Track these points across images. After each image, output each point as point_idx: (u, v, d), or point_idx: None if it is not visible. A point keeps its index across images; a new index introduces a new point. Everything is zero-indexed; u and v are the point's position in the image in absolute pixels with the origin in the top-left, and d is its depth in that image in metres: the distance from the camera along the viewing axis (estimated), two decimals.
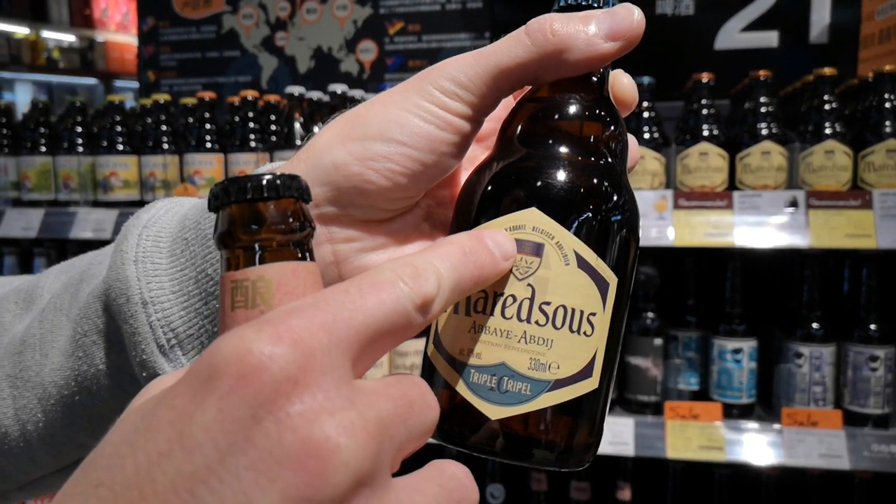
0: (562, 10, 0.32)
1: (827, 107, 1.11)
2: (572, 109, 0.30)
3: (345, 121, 0.31)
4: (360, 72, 1.71)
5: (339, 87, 1.31)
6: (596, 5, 0.32)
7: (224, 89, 1.74)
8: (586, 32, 0.30)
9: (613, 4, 0.33)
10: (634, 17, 0.32)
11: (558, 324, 0.28)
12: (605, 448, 1.17)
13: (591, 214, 0.28)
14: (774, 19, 1.46)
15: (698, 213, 1.11)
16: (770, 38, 1.47)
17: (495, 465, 1.32)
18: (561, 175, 0.29)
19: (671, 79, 1.35)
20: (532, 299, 0.28)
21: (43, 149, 1.43)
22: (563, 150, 0.30)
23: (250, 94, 1.36)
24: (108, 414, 0.34)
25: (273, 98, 1.38)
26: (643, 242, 1.06)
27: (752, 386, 1.19)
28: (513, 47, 0.30)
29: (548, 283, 0.28)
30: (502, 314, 0.28)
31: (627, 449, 1.16)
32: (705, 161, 1.12)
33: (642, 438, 1.16)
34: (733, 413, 1.18)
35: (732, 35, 1.48)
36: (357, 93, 1.36)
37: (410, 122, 0.29)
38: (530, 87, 0.32)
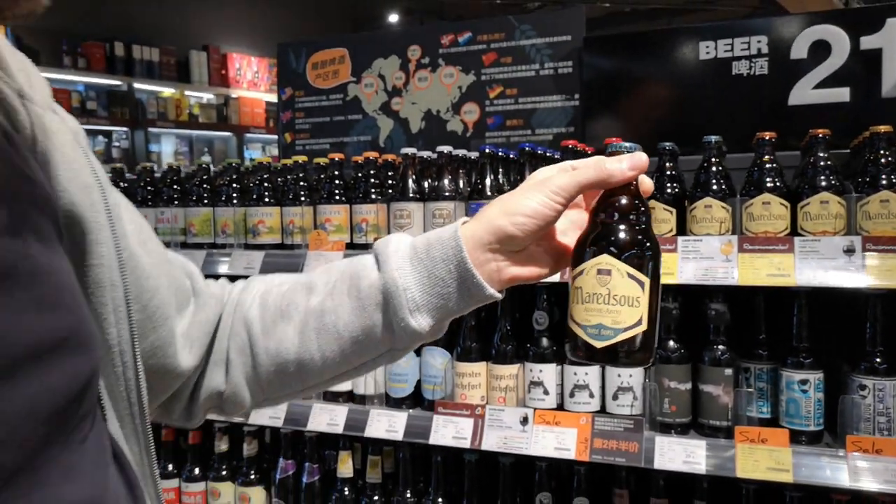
0: (610, 154, 0.65)
1: (883, 160, 1.22)
2: (621, 202, 0.64)
3: (502, 202, 0.65)
4: (465, 130, 1.94)
5: (445, 148, 1.54)
6: (626, 151, 0.64)
7: (348, 147, 2.02)
8: (620, 167, 0.63)
9: (633, 150, 0.65)
10: (642, 158, 0.64)
11: (622, 304, 0.61)
12: (679, 466, 1.31)
13: (633, 252, 0.62)
14: (846, 77, 1.57)
15: (761, 255, 1.24)
16: (842, 94, 1.57)
17: (580, 481, 1.46)
18: (618, 236, 0.63)
19: (747, 133, 1.48)
20: (609, 294, 0.62)
21: (205, 201, 1.74)
22: (618, 223, 0.63)
23: (372, 155, 1.62)
24: (373, 347, 0.65)
25: (390, 157, 1.63)
26: (710, 282, 1.21)
27: (819, 415, 1.29)
28: (588, 172, 0.63)
29: (615, 287, 0.62)
30: (597, 301, 0.62)
31: (700, 468, 1.29)
32: (768, 209, 1.26)
33: (713, 459, 1.28)
34: (801, 439, 1.29)
35: (805, 92, 1.60)
36: (460, 151, 1.59)
37: (535, 207, 0.62)
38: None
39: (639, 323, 0.62)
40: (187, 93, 6.71)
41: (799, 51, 1.60)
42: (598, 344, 0.62)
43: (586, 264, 0.63)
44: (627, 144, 0.65)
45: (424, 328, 0.63)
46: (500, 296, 0.66)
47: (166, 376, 0.64)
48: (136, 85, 6.61)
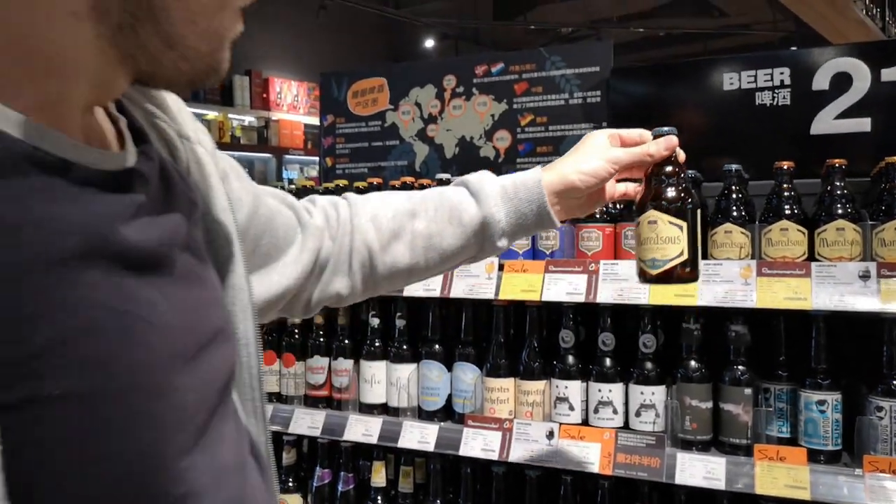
0: (654, 136, 0.93)
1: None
2: (661, 170, 0.92)
3: (573, 161, 0.90)
4: (496, 156, 2.02)
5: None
6: (664, 134, 0.93)
7: (385, 172, 2.12)
8: (658, 148, 0.92)
9: (669, 133, 0.93)
10: (674, 140, 0.93)
11: (668, 241, 0.90)
12: (699, 482, 1.35)
13: (671, 206, 0.91)
14: (867, 107, 1.62)
15: (779, 280, 1.29)
16: (864, 124, 1.62)
17: (604, 495, 1.51)
18: (659, 194, 0.92)
19: (770, 161, 1.54)
20: (657, 237, 0.91)
21: None
22: (658, 186, 0.92)
23: (408, 180, 1.71)
24: (464, 256, 0.91)
25: (426, 181, 1.72)
26: (729, 304, 1.27)
27: (837, 435, 1.33)
28: (636, 151, 0.92)
29: (661, 231, 0.91)
30: (650, 243, 0.92)
31: (719, 484, 1.33)
32: (786, 235, 1.32)
33: (733, 476, 1.33)
34: (820, 459, 1.33)
35: (827, 122, 1.65)
36: None
37: (597, 170, 0.89)
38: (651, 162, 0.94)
39: (680, 255, 0.90)
40: (230, 115, 6.93)
41: (821, 82, 1.66)
42: (653, 272, 0.92)
43: (641, 217, 0.93)
44: (665, 129, 0.93)
45: (505, 247, 0.91)
46: (559, 226, 0.94)
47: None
48: None
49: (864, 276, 1.24)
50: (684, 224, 0.90)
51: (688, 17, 10.83)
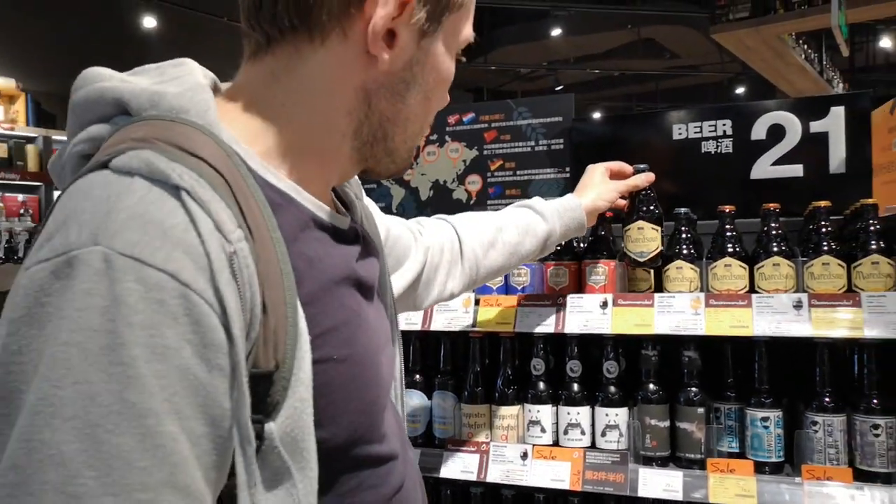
0: (636, 171, 1.53)
1: (823, 229, 1.46)
2: (641, 194, 1.54)
3: (595, 190, 1.47)
4: (468, 199, 2.18)
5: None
6: (643, 170, 1.53)
7: None
8: (640, 181, 1.52)
9: (646, 171, 1.54)
10: (651, 176, 1.54)
11: (651, 240, 1.52)
12: (659, 494, 1.49)
13: (655, 215, 1.52)
14: (799, 155, 1.82)
15: (724, 310, 1.46)
16: (796, 170, 1.82)
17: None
18: (642, 210, 1.52)
19: (715, 203, 1.71)
20: (644, 237, 1.51)
21: None
22: (640, 204, 1.54)
23: None
24: (534, 257, 1.42)
25: None
26: (682, 332, 1.43)
27: (780, 447, 1.49)
28: (629, 183, 1.52)
29: (646, 233, 1.52)
30: (639, 241, 1.52)
31: (678, 495, 1.48)
32: (729, 271, 1.49)
33: (689, 487, 1.48)
34: (765, 469, 1.48)
35: (765, 168, 1.84)
36: None
37: (610, 198, 1.48)
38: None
39: (657, 248, 1.51)
40: None
41: (759, 132, 1.86)
42: (641, 260, 1.52)
43: (632, 225, 1.52)
44: (642, 166, 1.54)
45: (553, 249, 1.45)
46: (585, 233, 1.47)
47: None
48: None
49: (797, 306, 1.41)
50: (659, 228, 1.53)
51: (640, 58, 11.33)
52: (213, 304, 0.56)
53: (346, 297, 0.74)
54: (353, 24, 0.70)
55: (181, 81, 0.69)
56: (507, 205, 2.13)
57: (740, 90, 10.95)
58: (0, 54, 6.28)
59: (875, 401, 1.42)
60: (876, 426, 1.40)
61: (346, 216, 0.79)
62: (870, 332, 1.36)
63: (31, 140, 6.09)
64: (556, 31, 10.01)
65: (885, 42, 8.86)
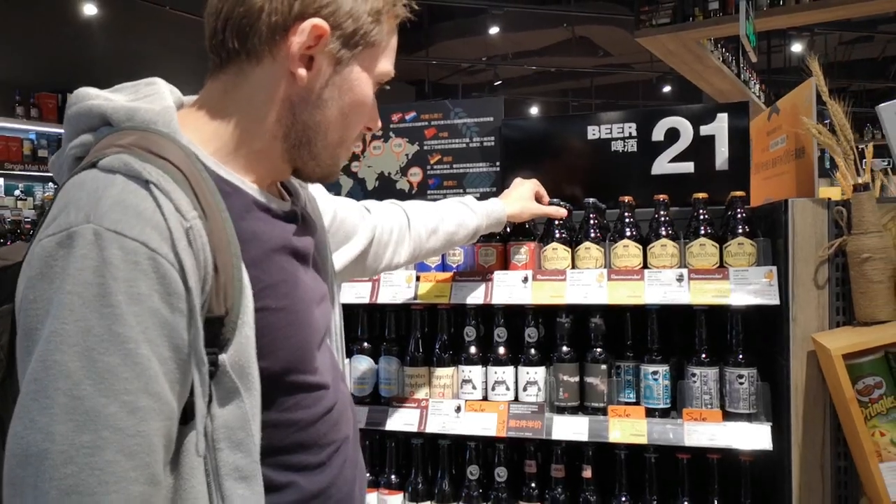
0: (556, 204, 1.89)
1: (700, 216, 1.78)
2: (559, 221, 1.91)
3: (519, 202, 1.84)
4: (410, 189, 2.44)
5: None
6: (562, 204, 1.90)
7: None
8: (558, 212, 1.89)
9: (564, 206, 1.91)
10: (563, 212, 1.90)
11: (562, 259, 1.89)
12: (569, 437, 1.79)
13: (566, 237, 1.89)
14: (690, 154, 2.14)
15: (622, 283, 1.76)
16: (688, 167, 2.14)
17: (500, 456, 1.92)
18: (560, 233, 1.91)
19: (622, 193, 2.02)
20: (557, 256, 1.89)
21: None
22: (560, 228, 1.92)
23: None
24: (464, 244, 1.78)
25: None
26: (589, 302, 1.72)
27: (668, 396, 1.81)
28: (546, 211, 1.88)
29: (559, 253, 1.88)
30: (553, 260, 1.90)
31: (584, 437, 1.78)
32: (627, 251, 1.80)
33: (593, 430, 1.78)
34: (656, 414, 1.80)
35: (663, 164, 2.16)
36: None
37: (529, 212, 1.85)
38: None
39: (567, 265, 1.86)
40: None
41: (658, 134, 2.17)
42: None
43: (548, 246, 1.87)
44: (562, 202, 1.91)
45: (479, 238, 1.78)
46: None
47: None
48: None
49: (680, 279, 1.72)
50: (570, 249, 1.87)
51: (575, 55, 11.77)
52: (174, 264, 0.78)
53: (283, 262, 0.96)
54: (280, 49, 0.91)
55: (151, 99, 0.91)
56: (444, 195, 2.41)
57: (667, 88, 11.51)
58: None
59: (741, 356, 1.74)
60: (741, 376, 1.73)
61: (287, 201, 1.03)
62: (735, 300, 1.68)
63: None
64: (494, 28, 10.30)
65: (796, 47, 9.51)
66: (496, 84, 11.96)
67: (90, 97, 0.91)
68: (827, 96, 1.58)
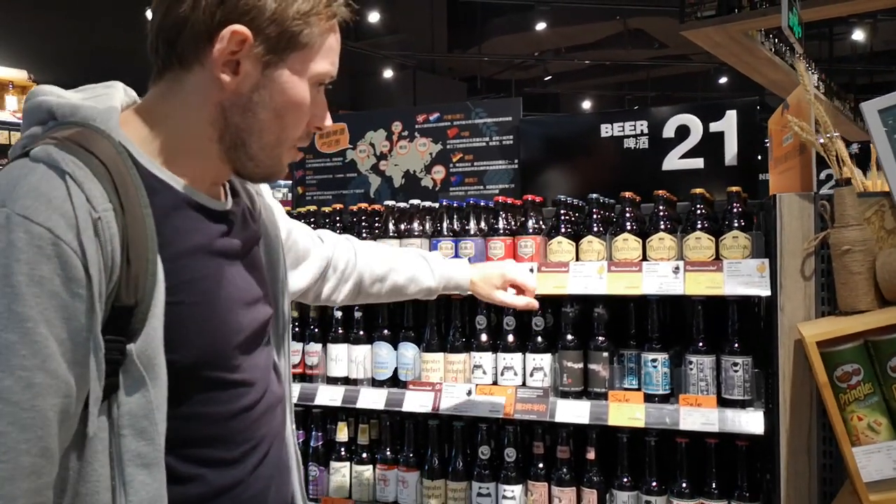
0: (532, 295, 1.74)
1: (698, 211, 1.85)
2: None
3: (487, 283, 1.67)
4: (434, 186, 2.57)
5: (416, 201, 2.17)
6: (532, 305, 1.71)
7: (346, 198, 2.65)
8: (516, 303, 1.68)
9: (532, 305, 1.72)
10: (535, 304, 1.71)
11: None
12: (572, 420, 1.90)
13: (570, 220, 1.98)
14: (700, 150, 2.20)
15: (622, 274, 1.86)
16: (698, 163, 2.20)
17: (509, 437, 2.04)
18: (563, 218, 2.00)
19: (634, 189, 2.09)
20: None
21: None
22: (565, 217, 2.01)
23: (363, 206, 2.25)
24: (415, 297, 1.65)
25: (377, 207, 2.26)
26: (591, 293, 1.82)
27: (666, 382, 1.89)
28: (506, 302, 1.69)
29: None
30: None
31: (585, 420, 1.88)
32: (626, 244, 1.89)
33: (594, 414, 1.88)
34: (655, 399, 1.88)
35: (673, 161, 2.23)
36: (427, 203, 2.21)
37: (494, 298, 1.67)
38: None
39: None
40: None
41: (669, 132, 2.24)
42: None
43: (553, 239, 1.96)
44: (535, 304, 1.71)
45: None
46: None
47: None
48: None
49: (676, 271, 1.81)
50: (574, 242, 1.95)
51: (630, 48, 11.65)
52: (77, 251, 0.81)
53: (205, 260, 0.97)
54: (206, 55, 0.93)
55: (98, 99, 0.95)
56: (466, 192, 2.54)
57: (723, 80, 11.28)
58: (13, 47, 6.64)
59: (736, 344, 1.81)
60: (735, 364, 1.80)
61: (226, 202, 1.04)
62: (728, 290, 1.75)
63: None
64: (546, 22, 10.31)
65: (858, 34, 9.19)
66: (546, 79, 11.96)
67: (43, 93, 0.95)
68: (811, 95, 1.63)
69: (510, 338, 2.04)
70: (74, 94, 0.97)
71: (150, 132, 0.97)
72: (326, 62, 1.00)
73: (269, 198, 1.25)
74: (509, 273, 1.66)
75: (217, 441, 0.99)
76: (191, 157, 0.99)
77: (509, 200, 2.12)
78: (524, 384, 2.03)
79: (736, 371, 1.80)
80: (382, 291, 1.55)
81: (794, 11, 4.70)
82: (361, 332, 2.20)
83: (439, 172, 2.57)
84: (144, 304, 0.87)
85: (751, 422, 1.74)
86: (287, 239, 1.32)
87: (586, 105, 12.75)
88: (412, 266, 1.58)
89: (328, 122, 1.06)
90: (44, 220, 0.81)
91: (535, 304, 1.68)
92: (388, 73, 11.08)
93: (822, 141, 1.64)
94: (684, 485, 1.86)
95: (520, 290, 1.68)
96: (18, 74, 6.49)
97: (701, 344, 1.85)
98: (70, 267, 0.82)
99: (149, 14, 0.98)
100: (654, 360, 1.89)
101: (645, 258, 1.89)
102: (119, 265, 0.86)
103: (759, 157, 2.26)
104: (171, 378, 0.90)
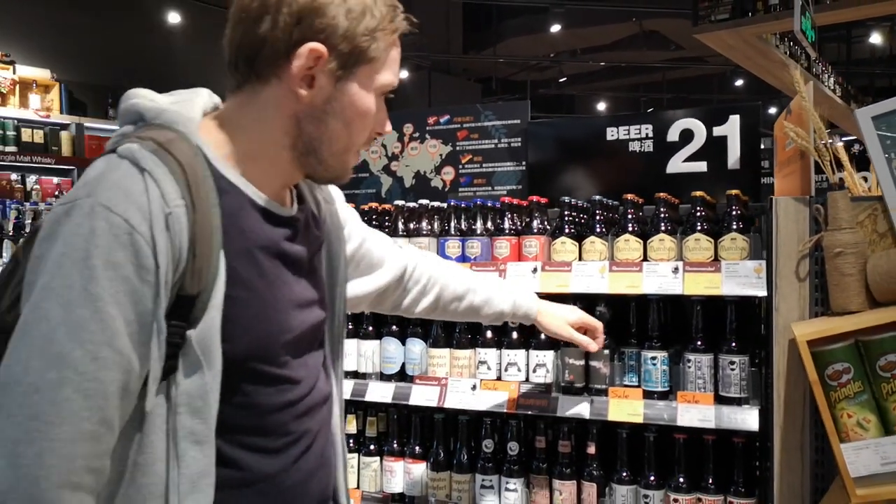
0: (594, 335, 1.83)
1: (698, 213, 1.90)
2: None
3: (560, 321, 1.75)
4: (444, 186, 2.64)
5: (425, 201, 2.23)
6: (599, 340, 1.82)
7: (358, 198, 2.72)
8: (583, 343, 1.77)
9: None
10: (594, 347, 1.80)
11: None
12: (572, 414, 1.95)
13: (573, 220, 2.04)
14: (704, 154, 2.25)
15: (623, 274, 1.91)
16: (702, 166, 2.25)
17: (513, 431, 2.10)
18: (566, 219, 2.06)
19: (640, 192, 2.14)
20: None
21: None
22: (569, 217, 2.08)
23: (375, 205, 2.31)
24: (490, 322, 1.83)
25: (387, 206, 2.33)
26: (592, 291, 1.88)
27: (665, 380, 1.94)
28: (584, 343, 1.78)
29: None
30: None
31: (586, 415, 1.94)
32: (627, 244, 1.94)
33: (595, 409, 1.93)
34: (654, 396, 1.93)
35: (678, 164, 2.28)
36: (435, 203, 2.28)
37: (565, 335, 1.76)
38: None
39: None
40: None
41: (673, 135, 2.29)
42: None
43: (557, 240, 2.01)
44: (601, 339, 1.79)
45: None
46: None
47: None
48: None
49: (675, 271, 1.86)
50: (578, 243, 2.01)
51: (645, 50, 11.65)
52: (149, 242, 0.90)
53: (265, 260, 1.04)
54: (284, 71, 1.01)
55: (183, 104, 1.05)
56: (474, 193, 2.60)
57: (739, 82, 11.25)
58: (36, 47, 6.79)
59: (733, 343, 1.86)
60: (732, 363, 1.85)
61: (291, 209, 1.11)
62: (726, 290, 1.80)
63: (65, 127, 6.63)
64: (561, 24, 10.34)
65: (875, 37, 9.15)
66: (561, 80, 11.98)
67: (136, 97, 1.05)
68: (808, 101, 1.68)
69: (514, 334, 2.10)
70: (164, 98, 1.06)
71: (226, 138, 1.05)
72: (390, 73, 1.08)
73: (343, 206, 1.34)
74: (584, 315, 1.76)
75: (260, 430, 1.06)
76: (263, 162, 1.06)
77: (515, 201, 2.18)
78: (527, 380, 2.09)
79: (733, 369, 1.85)
80: (459, 310, 1.61)
81: (808, 16, 4.72)
82: (370, 328, 2.27)
83: (449, 173, 2.63)
84: (206, 294, 0.95)
85: (746, 419, 1.79)
86: (360, 247, 1.41)
87: (601, 107, 12.77)
88: (489, 289, 1.64)
89: (388, 127, 1.14)
90: (122, 211, 0.90)
91: (597, 347, 1.79)
92: (403, 74, 11.17)
93: (819, 145, 1.69)
94: (682, 480, 1.91)
95: (589, 333, 1.77)
96: (41, 73, 6.65)
97: (699, 343, 1.90)
98: (142, 255, 0.90)
99: (227, 31, 1.06)
100: (653, 358, 1.94)
101: (646, 259, 1.95)
102: (185, 257, 0.94)
103: (765, 162, 2.30)
104: (224, 366, 0.98)
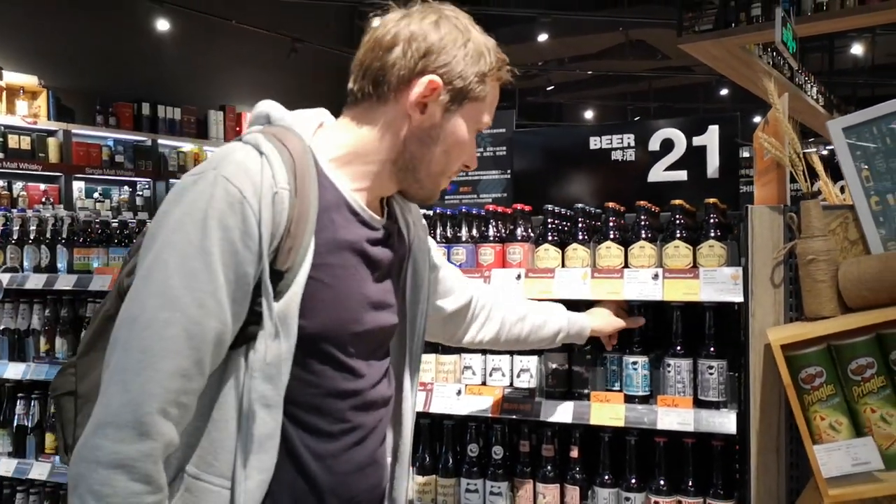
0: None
1: (677, 221, 1.95)
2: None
3: (604, 319, 1.93)
4: None
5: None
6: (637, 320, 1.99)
7: None
8: (635, 323, 2.01)
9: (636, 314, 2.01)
10: (641, 320, 2.01)
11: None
12: (556, 419, 1.99)
13: (556, 228, 2.03)
14: (684, 163, 2.30)
15: (604, 280, 1.95)
16: (682, 175, 2.30)
17: (497, 436, 2.13)
18: (549, 226, 2.10)
19: (620, 199, 2.19)
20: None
21: None
22: (552, 224, 2.09)
23: None
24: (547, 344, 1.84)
25: None
26: (574, 297, 1.91)
27: (646, 384, 1.98)
28: (626, 324, 1.98)
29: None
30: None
31: (568, 419, 1.97)
32: (609, 252, 1.98)
33: (577, 413, 1.97)
34: (635, 400, 1.97)
35: (659, 172, 2.33)
36: (423, 210, 2.31)
37: (614, 329, 1.94)
38: None
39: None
40: (205, 147, 7.50)
41: (654, 145, 2.34)
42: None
43: (541, 247, 2.04)
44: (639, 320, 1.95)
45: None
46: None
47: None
48: (160, 140, 7.40)
49: (655, 277, 1.90)
50: (560, 250, 2.04)
51: (632, 59, 11.75)
52: (256, 213, 1.05)
53: (347, 255, 1.18)
54: (402, 95, 1.19)
55: (302, 113, 1.23)
56: (460, 200, 2.63)
57: (724, 91, 11.38)
58: (23, 53, 6.78)
59: (711, 348, 1.91)
60: (711, 367, 1.90)
61: (380, 219, 1.25)
62: (704, 296, 1.84)
63: (51, 133, 6.63)
64: (548, 33, 10.42)
65: (857, 48, 9.29)
66: (548, 89, 12.06)
67: (266, 105, 1.23)
68: (782, 113, 1.73)
69: None
70: (286, 110, 1.23)
71: (336, 143, 1.21)
72: (489, 114, 1.26)
73: (427, 237, 1.46)
74: (609, 304, 1.95)
75: (319, 411, 1.17)
76: (364, 169, 1.21)
77: (499, 209, 2.22)
78: (512, 385, 2.12)
79: (711, 374, 1.90)
80: (524, 332, 1.72)
81: (789, 27, 4.82)
82: None
83: None
84: (292, 272, 1.08)
85: (724, 422, 1.83)
86: (437, 273, 1.53)
87: (588, 115, 12.86)
88: (545, 308, 1.78)
89: (475, 163, 1.31)
90: (239, 183, 1.05)
91: (643, 321, 1.97)
92: None
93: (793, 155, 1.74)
94: (662, 482, 1.94)
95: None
96: (29, 80, 6.64)
97: (679, 347, 1.94)
98: (249, 224, 1.05)
99: (358, 55, 1.23)
100: (634, 363, 1.98)
101: (627, 265, 1.99)
102: (282, 234, 1.07)
103: (749, 170, 2.35)
104: (298, 341, 1.10)
